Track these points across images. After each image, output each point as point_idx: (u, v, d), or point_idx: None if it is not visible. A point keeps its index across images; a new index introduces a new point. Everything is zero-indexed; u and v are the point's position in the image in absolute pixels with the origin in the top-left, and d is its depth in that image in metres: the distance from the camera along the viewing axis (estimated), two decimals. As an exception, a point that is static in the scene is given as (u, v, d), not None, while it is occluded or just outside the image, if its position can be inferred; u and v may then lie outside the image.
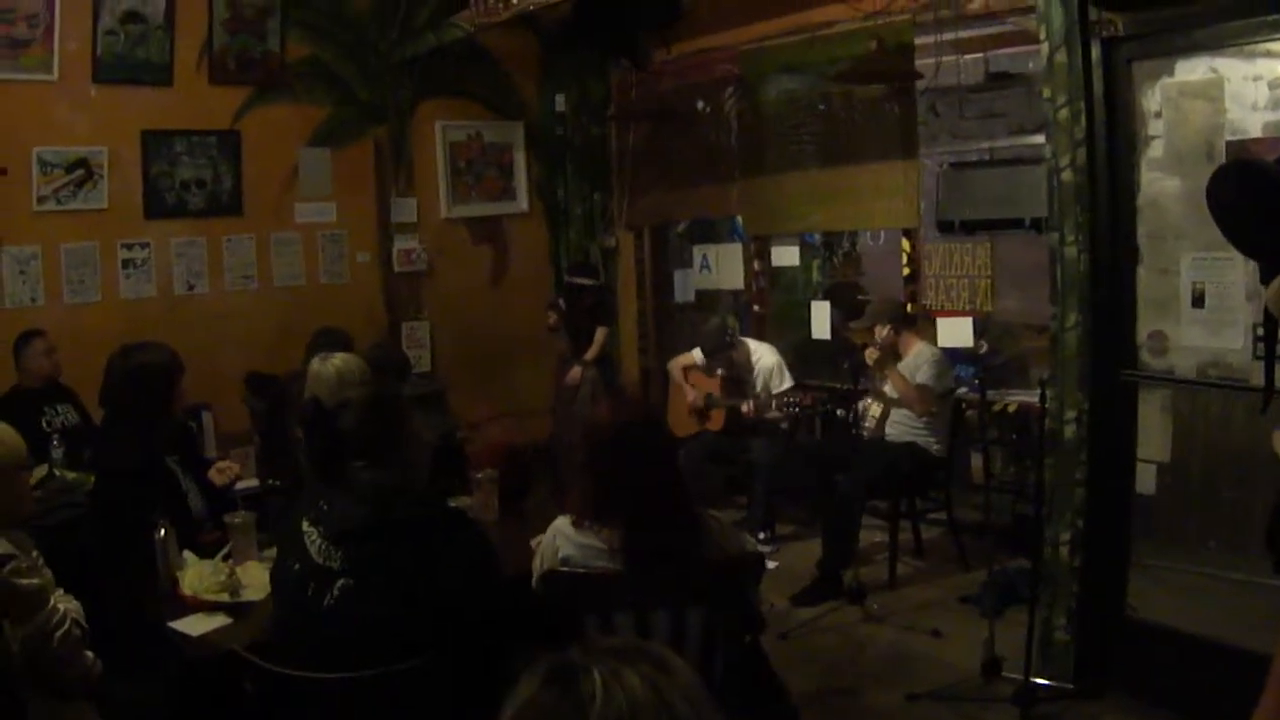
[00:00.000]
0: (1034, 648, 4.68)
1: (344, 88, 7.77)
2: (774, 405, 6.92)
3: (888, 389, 6.36)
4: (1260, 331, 4.16)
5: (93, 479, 4.61)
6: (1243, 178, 1.92)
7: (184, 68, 7.05)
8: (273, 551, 3.45)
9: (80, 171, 6.74)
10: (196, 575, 3.57)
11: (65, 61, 6.62)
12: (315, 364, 4.46)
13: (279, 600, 3.09)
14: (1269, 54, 4.19)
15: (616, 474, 3.13)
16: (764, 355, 7.20)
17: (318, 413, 3.32)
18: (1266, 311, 2.02)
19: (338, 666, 2.80)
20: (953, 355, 6.60)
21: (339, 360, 4.46)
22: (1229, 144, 4.30)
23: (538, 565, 3.24)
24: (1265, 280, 1.88)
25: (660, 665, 1.39)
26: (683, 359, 7.53)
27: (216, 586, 3.51)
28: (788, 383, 7.05)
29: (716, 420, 7.24)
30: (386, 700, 2.81)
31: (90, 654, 3.04)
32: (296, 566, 2.93)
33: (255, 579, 3.55)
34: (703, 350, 7.25)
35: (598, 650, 1.40)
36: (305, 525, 2.96)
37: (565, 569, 3.13)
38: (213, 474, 4.50)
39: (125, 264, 6.98)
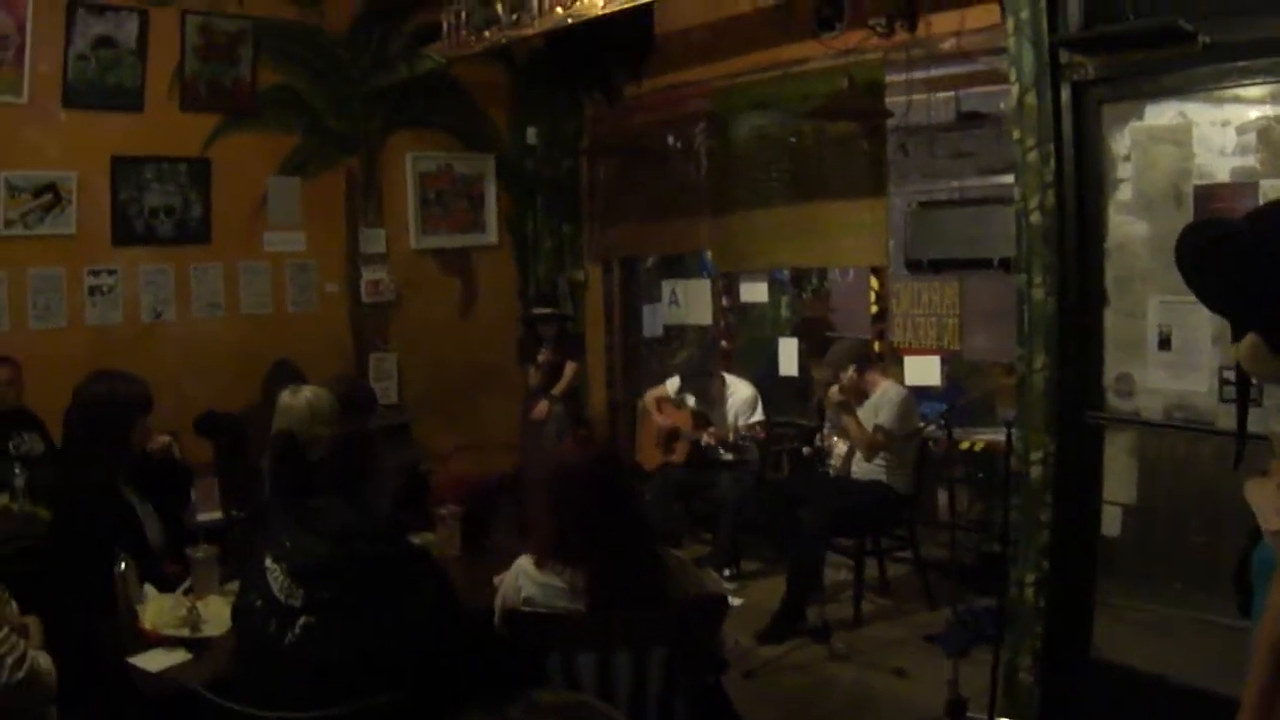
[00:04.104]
0: (998, 688, 4.66)
1: (315, 117, 7.74)
2: (737, 436, 6.90)
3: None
4: (1225, 375, 4.22)
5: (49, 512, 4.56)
6: (1210, 238, 1.92)
7: (155, 94, 7.00)
8: (234, 586, 3.40)
9: (48, 196, 6.66)
10: (157, 610, 3.52)
11: (36, 84, 6.55)
12: (286, 396, 4.44)
13: (241, 636, 3.06)
14: (1236, 99, 4.23)
15: (579, 516, 3.13)
16: (740, 389, 7.21)
17: (289, 445, 3.30)
18: (1238, 367, 2.02)
19: (299, 705, 2.77)
20: (920, 393, 6.60)
21: (309, 393, 4.44)
22: (1196, 188, 4.33)
23: (499, 604, 3.23)
24: (1236, 339, 1.88)
25: None
26: (657, 390, 7.53)
27: (177, 621, 3.47)
28: (757, 417, 7.04)
29: (680, 452, 7.23)
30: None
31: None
32: (259, 603, 2.90)
33: (216, 614, 3.52)
34: (682, 375, 7.21)
35: (537, 709, 1.38)
36: (268, 561, 2.93)
37: (527, 609, 3.12)
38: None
39: (92, 290, 6.89)
